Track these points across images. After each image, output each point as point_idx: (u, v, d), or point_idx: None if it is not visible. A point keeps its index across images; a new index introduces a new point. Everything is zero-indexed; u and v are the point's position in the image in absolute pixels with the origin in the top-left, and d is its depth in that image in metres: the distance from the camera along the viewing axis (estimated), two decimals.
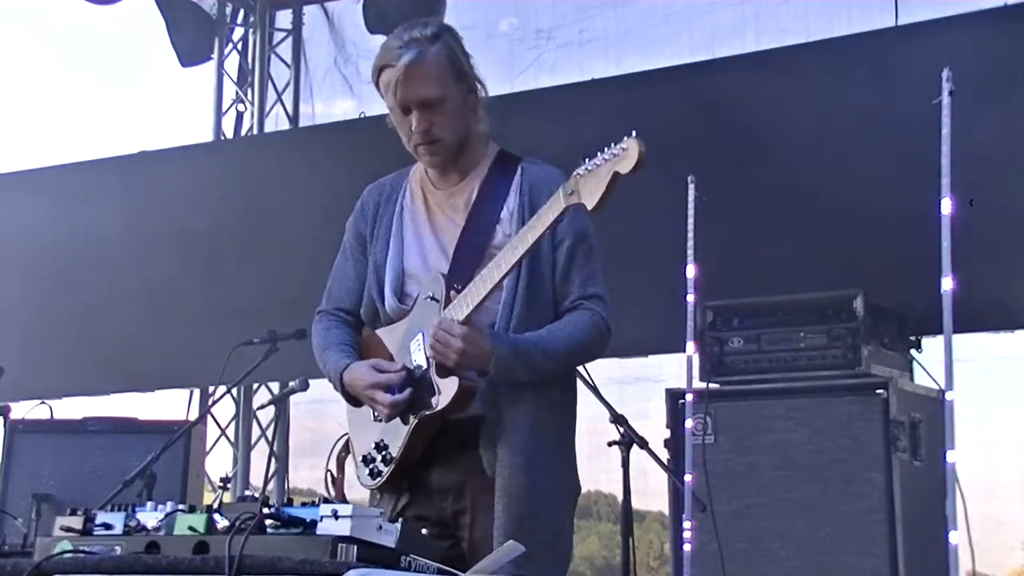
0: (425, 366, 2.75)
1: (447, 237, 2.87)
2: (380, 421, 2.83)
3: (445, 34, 2.82)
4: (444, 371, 2.71)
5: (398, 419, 2.78)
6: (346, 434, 2.96)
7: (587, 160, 2.55)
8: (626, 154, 2.46)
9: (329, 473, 2.94)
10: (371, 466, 2.82)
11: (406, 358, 2.80)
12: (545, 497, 2.77)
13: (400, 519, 2.14)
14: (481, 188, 2.87)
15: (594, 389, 3.09)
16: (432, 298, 2.77)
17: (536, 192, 2.82)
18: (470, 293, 2.69)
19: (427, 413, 2.73)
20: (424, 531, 2.44)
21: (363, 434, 2.86)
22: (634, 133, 2.47)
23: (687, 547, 4.37)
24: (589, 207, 2.52)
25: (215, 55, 8.16)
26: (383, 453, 2.80)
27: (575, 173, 2.55)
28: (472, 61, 2.87)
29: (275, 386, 7.21)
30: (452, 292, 2.74)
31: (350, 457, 2.93)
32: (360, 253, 3.00)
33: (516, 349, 2.72)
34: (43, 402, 5.57)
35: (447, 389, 2.70)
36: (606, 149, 2.51)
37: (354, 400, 2.89)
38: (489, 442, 2.75)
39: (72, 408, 6.48)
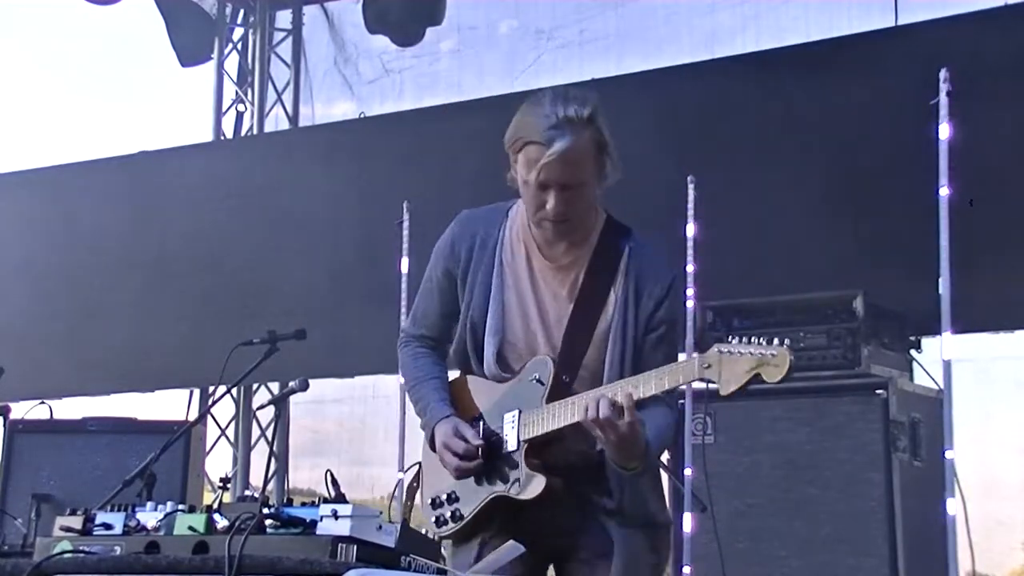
0: (515, 448, 2.71)
1: (552, 313, 2.82)
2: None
3: (599, 116, 2.71)
4: (535, 464, 2.68)
5: (473, 479, 2.76)
6: (418, 463, 2.92)
7: (733, 339, 2.51)
8: (775, 362, 2.43)
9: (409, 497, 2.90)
10: (438, 512, 2.79)
11: (498, 425, 2.77)
12: None
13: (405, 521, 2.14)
14: (590, 266, 2.82)
15: None
16: (538, 380, 2.72)
17: (642, 281, 2.79)
18: (575, 404, 2.64)
19: (506, 496, 2.70)
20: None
21: (437, 473, 2.82)
22: (787, 342, 2.45)
23: (686, 546, 4.38)
24: (722, 392, 2.51)
25: (215, 55, 8.17)
26: (453, 508, 2.77)
27: (716, 348, 2.51)
28: (610, 137, 2.75)
29: (275, 386, 7.20)
30: (563, 379, 2.70)
31: (419, 491, 2.89)
32: (447, 290, 2.92)
33: (650, 449, 2.68)
34: (43, 402, 5.56)
35: (533, 484, 2.66)
36: (754, 339, 2.48)
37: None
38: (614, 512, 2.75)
39: (72, 408, 6.49)
